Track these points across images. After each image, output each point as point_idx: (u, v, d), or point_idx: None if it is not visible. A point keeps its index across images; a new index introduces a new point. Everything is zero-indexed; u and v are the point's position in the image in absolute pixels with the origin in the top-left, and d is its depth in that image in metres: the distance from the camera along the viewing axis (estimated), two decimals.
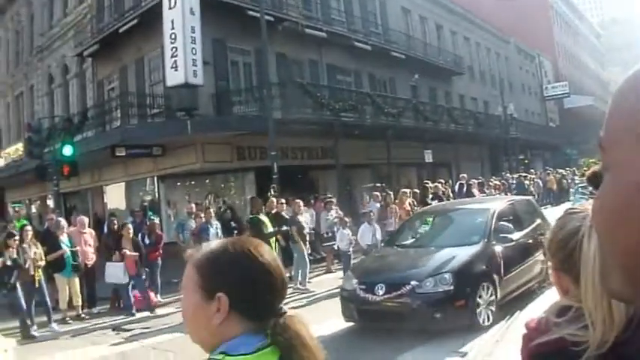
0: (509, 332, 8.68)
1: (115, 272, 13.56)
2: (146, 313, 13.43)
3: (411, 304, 9.14)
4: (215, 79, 22.60)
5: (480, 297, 9.31)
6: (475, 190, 23.05)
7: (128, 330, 12.13)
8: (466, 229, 11.18)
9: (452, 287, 9.11)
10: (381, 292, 9.27)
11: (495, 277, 9.78)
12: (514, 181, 30.74)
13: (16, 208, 30.69)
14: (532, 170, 40.20)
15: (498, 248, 10.26)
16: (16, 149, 31.30)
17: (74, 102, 28.94)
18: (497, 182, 26.88)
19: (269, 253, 1.66)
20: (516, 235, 10.87)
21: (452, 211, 13.37)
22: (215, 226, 15.17)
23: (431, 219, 12.81)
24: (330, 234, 16.50)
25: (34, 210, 32.26)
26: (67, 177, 19.07)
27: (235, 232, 15.30)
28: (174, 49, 20.64)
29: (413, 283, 9.18)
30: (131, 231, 14.13)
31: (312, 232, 17.68)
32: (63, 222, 14.00)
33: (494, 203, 12.39)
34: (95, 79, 27.27)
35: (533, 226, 11.96)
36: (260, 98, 21.70)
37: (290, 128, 21.23)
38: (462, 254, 9.88)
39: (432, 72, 36.22)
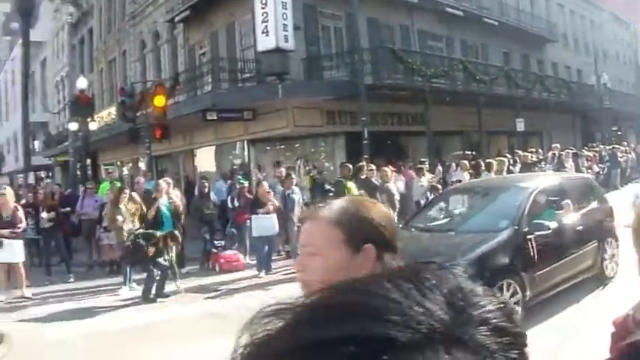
0: (600, 308, 8.22)
1: (268, 224, 13.60)
2: (234, 275, 13.68)
3: None
4: (306, 44, 22.57)
5: None
6: (568, 161, 22.45)
7: (217, 290, 12.34)
8: (496, 211, 9.60)
9: None
10: None
11: (523, 273, 8.19)
12: (607, 153, 29.71)
13: (109, 170, 31.61)
14: (625, 142, 38.67)
15: (532, 237, 8.48)
16: (109, 113, 32.15)
17: (165, 67, 29.47)
18: (589, 153, 26.07)
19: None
20: (556, 222, 9.05)
21: (488, 189, 11.62)
22: (297, 192, 15.11)
23: (463, 197, 11.27)
24: (423, 200, 16.15)
25: (125, 172, 33.14)
26: (158, 140, 19.44)
27: (330, 194, 15.25)
28: (265, 15, 20.64)
29: None
30: (267, 187, 14.32)
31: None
32: (163, 184, 13.99)
33: (537, 181, 10.61)
34: (186, 44, 27.64)
35: (586, 210, 10.33)
36: (351, 63, 21.63)
37: (381, 94, 21.12)
38: (482, 243, 8.32)
39: (525, 39, 35.35)
